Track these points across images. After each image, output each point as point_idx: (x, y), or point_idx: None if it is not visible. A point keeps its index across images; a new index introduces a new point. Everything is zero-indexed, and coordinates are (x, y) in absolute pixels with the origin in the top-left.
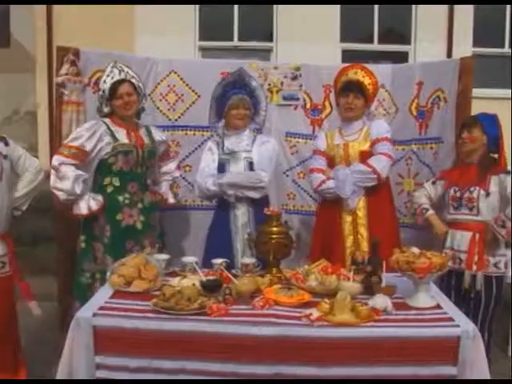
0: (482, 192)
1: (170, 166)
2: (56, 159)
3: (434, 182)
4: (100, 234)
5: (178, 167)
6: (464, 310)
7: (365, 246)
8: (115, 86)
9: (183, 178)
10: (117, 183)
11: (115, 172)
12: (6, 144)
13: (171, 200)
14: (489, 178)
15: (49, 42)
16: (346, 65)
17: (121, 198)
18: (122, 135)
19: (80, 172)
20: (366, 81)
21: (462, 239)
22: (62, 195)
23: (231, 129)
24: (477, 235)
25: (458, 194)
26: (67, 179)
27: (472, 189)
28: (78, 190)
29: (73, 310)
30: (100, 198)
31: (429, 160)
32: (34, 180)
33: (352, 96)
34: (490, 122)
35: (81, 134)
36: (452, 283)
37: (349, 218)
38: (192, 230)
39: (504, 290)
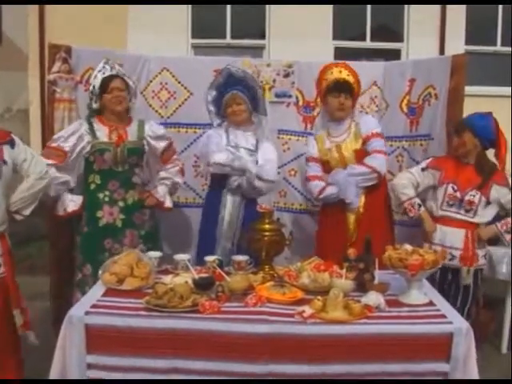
0: (484, 199)
1: (171, 171)
2: None
3: (423, 169)
4: (80, 230)
5: (181, 172)
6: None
7: None
8: (106, 80)
9: None
10: (98, 181)
11: (96, 170)
12: (12, 146)
13: (168, 204)
14: (490, 185)
15: (41, 40)
16: (328, 63)
17: (101, 196)
18: (102, 134)
19: (57, 174)
20: (351, 79)
21: (454, 236)
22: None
23: (235, 126)
24: (469, 232)
25: (459, 195)
26: None
27: (473, 193)
28: (51, 192)
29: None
30: (79, 199)
31: (419, 157)
32: (33, 187)
33: (343, 96)
34: (483, 124)
35: (60, 136)
36: (437, 278)
37: (352, 216)
38: (185, 227)
39: (497, 286)
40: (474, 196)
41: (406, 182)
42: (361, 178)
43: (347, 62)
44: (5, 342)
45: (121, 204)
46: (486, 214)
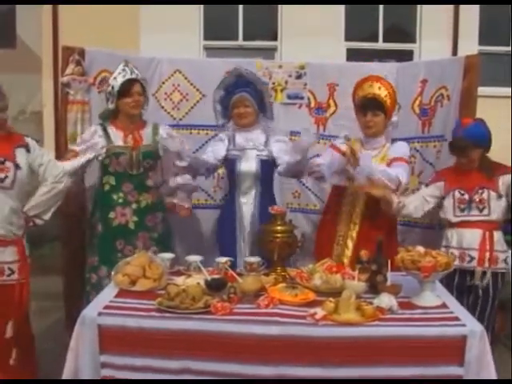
0: (493, 193)
1: (187, 177)
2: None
3: (427, 185)
4: (94, 231)
5: (194, 176)
6: (469, 306)
7: (347, 258)
8: (128, 84)
9: None
10: (113, 182)
11: (111, 172)
12: (28, 150)
13: (187, 205)
14: (496, 178)
15: (54, 43)
16: (362, 78)
17: (115, 197)
18: (117, 138)
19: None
20: (383, 93)
21: (471, 237)
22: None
23: (239, 127)
24: (487, 233)
25: (467, 197)
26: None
27: (481, 190)
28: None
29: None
30: None
31: (432, 158)
32: (51, 190)
33: (370, 114)
34: (482, 132)
35: (77, 144)
36: (455, 281)
37: (344, 230)
38: (197, 228)
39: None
40: (481, 193)
41: (417, 207)
42: (386, 178)
43: (380, 76)
44: (22, 345)
45: (134, 206)
46: (500, 208)
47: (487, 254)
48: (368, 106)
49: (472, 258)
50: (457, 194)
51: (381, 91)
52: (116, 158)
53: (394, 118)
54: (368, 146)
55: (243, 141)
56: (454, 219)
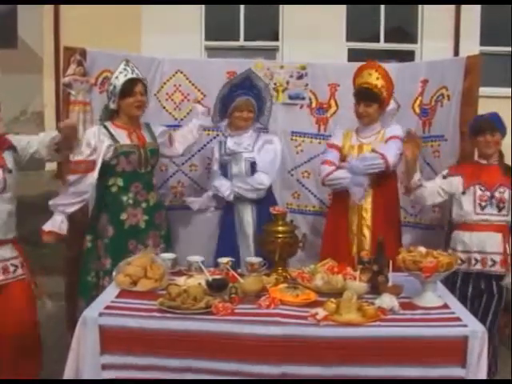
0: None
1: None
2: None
3: (444, 177)
4: (102, 233)
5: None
6: (484, 309)
7: (368, 246)
8: (130, 83)
9: (189, 178)
10: (121, 183)
11: (119, 173)
12: (15, 151)
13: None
14: None
15: (56, 43)
16: (362, 64)
17: (125, 198)
18: (122, 137)
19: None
20: (379, 83)
21: (493, 241)
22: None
23: (234, 129)
24: (505, 236)
25: (488, 193)
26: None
27: (502, 189)
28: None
29: (79, 310)
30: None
31: (429, 158)
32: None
33: (363, 105)
34: (503, 124)
35: (82, 151)
36: (469, 288)
37: (355, 219)
38: (198, 229)
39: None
40: (502, 192)
41: (432, 191)
42: (368, 163)
43: (381, 64)
44: (27, 341)
45: (144, 205)
46: None
47: (509, 258)
48: (362, 96)
49: (494, 262)
50: (478, 190)
51: (378, 81)
52: (125, 157)
53: (391, 106)
54: (363, 134)
55: (234, 144)
56: (475, 217)
